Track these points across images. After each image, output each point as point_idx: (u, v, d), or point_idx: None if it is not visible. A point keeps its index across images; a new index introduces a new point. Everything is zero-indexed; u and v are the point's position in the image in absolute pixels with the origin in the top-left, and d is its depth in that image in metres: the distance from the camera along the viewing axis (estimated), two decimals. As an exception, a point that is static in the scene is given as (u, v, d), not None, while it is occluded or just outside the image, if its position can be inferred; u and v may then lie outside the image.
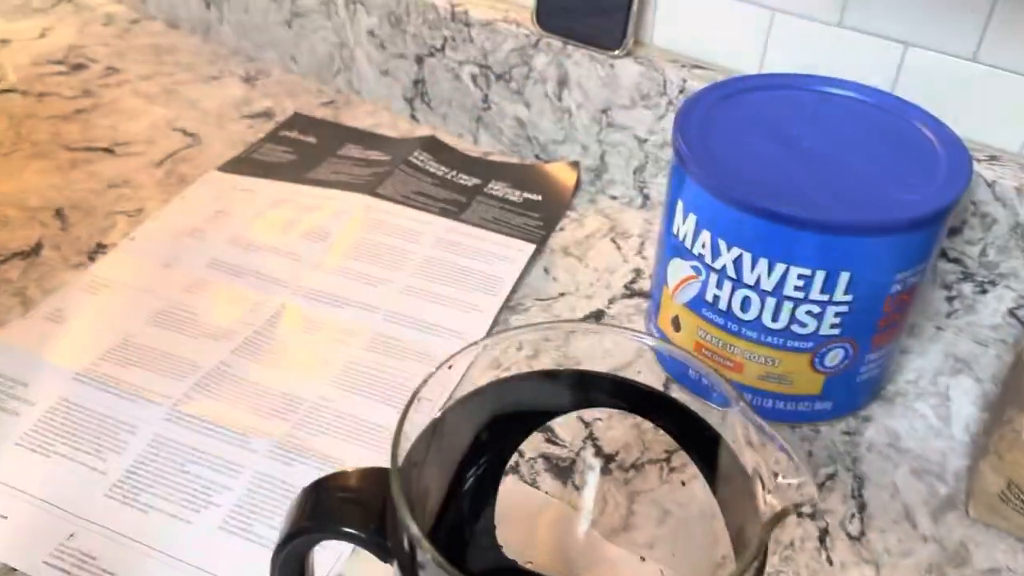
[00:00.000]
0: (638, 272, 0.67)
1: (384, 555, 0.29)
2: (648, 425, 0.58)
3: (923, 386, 0.59)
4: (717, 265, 0.51)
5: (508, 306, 0.63)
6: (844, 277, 0.48)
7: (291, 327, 0.60)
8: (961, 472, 0.53)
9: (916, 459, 0.54)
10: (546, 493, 0.48)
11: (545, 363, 0.39)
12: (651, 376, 0.38)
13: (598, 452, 0.53)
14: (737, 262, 0.50)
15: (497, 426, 0.36)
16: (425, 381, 0.31)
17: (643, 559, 0.46)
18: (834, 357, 0.52)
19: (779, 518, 0.28)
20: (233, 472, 0.51)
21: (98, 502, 0.49)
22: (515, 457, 0.53)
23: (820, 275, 0.48)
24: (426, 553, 0.26)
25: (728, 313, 0.52)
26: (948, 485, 0.52)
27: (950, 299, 0.62)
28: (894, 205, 0.47)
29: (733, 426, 0.32)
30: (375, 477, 0.31)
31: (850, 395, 0.55)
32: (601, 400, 0.35)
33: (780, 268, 0.48)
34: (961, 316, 0.63)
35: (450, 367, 0.32)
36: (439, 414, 0.33)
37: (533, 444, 0.54)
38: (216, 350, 0.58)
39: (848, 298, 0.49)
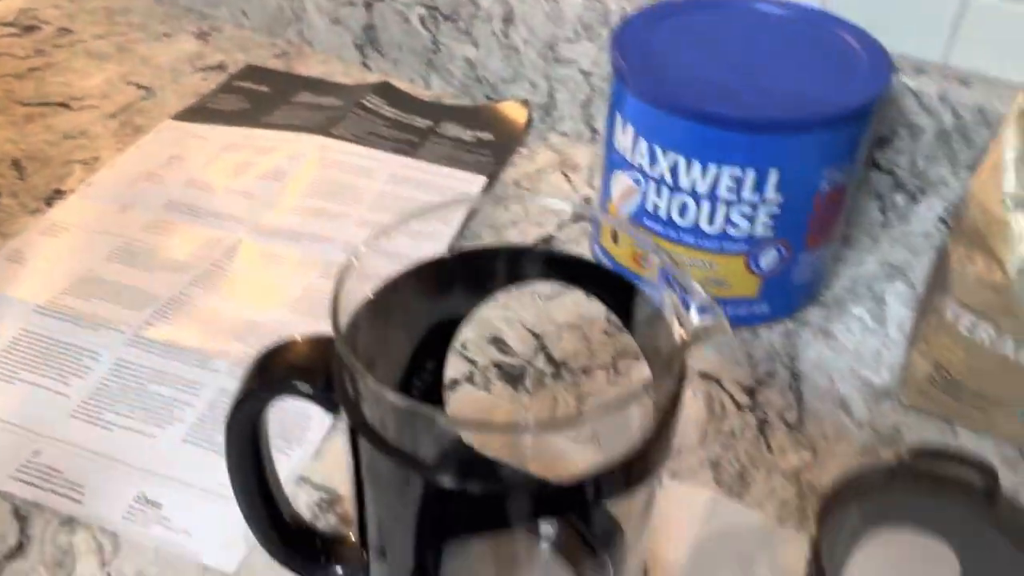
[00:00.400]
0: (586, 200, 0.69)
1: (331, 407, 0.31)
2: (596, 335, 0.60)
3: (859, 292, 0.61)
4: (655, 173, 0.53)
5: (462, 235, 0.65)
6: (773, 175, 0.50)
7: (248, 260, 0.62)
8: (895, 366, 0.56)
9: (852, 356, 0.56)
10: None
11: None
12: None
13: (549, 360, 0.56)
14: (673, 168, 0.52)
15: (438, 306, 0.37)
16: (360, 250, 0.33)
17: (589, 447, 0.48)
18: (769, 258, 0.54)
19: (691, 342, 0.30)
20: (195, 390, 0.52)
21: (63, 422, 0.50)
22: (469, 367, 0.55)
23: (750, 174, 0.50)
24: (367, 382, 0.28)
25: (667, 221, 0.54)
26: (882, 378, 0.55)
27: (884, 210, 0.65)
28: (818, 103, 0.50)
29: (656, 283, 0.34)
30: (320, 343, 0.33)
31: (787, 298, 0.57)
32: (532, 273, 0.37)
33: (712, 170, 0.51)
34: (895, 226, 0.65)
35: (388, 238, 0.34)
36: (381, 287, 0.35)
37: (487, 355, 0.56)
38: (175, 282, 0.59)
39: (778, 197, 0.51)
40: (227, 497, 0.38)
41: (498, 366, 0.55)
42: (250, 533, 0.39)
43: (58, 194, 0.67)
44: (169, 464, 0.48)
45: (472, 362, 0.55)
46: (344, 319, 0.32)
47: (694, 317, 0.30)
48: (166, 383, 0.53)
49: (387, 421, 0.29)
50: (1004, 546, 0.28)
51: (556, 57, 0.73)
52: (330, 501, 0.47)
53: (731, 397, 0.54)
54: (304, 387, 0.31)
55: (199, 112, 0.77)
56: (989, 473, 0.28)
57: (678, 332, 0.30)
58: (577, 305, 0.62)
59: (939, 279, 0.50)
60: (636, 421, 0.31)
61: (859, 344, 0.57)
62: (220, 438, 0.49)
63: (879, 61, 0.53)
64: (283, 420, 0.51)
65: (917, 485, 0.29)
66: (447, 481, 0.28)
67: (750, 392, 0.54)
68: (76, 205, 0.66)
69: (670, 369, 0.29)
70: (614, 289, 0.35)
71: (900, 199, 0.64)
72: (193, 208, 0.66)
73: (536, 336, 0.56)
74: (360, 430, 0.29)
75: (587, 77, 0.72)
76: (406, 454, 0.29)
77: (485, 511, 0.29)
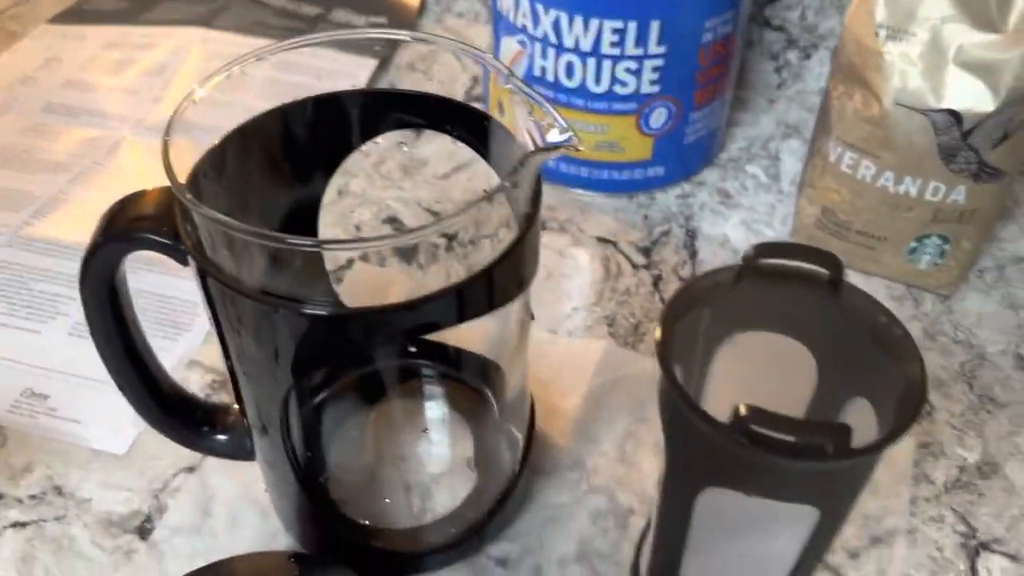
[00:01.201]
0: (476, 79, 0.67)
1: (180, 256, 0.30)
2: (486, 208, 0.60)
3: (754, 152, 0.61)
4: (539, 33, 0.52)
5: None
6: (655, 27, 0.49)
7: (131, 157, 0.59)
8: (788, 217, 0.56)
9: (746, 212, 0.57)
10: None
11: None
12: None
13: (443, 234, 0.55)
14: (556, 25, 0.51)
15: (298, 156, 0.36)
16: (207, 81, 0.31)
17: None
18: (658, 116, 0.54)
19: (541, 150, 0.29)
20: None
21: (-60, 324, 0.49)
22: (364, 246, 0.54)
23: (632, 27, 0.49)
24: (202, 212, 0.27)
25: (555, 84, 0.53)
26: (775, 229, 0.56)
27: (778, 69, 0.65)
28: (693, -51, 0.49)
29: (513, 111, 0.33)
30: (167, 192, 0.31)
31: (681, 159, 0.57)
32: (390, 120, 0.36)
33: (595, 24, 0.50)
34: (790, 85, 0.65)
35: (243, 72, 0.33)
36: (231, 132, 0.33)
37: (381, 233, 0.56)
38: (54, 182, 0.57)
39: (662, 50, 0.50)
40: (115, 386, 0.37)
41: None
42: (139, 418, 0.39)
43: (-73, 102, 0.64)
44: (55, 358, 0.47)
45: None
46: (188, 167, 0.31)
47: (550, 136, 0.29)
48: (48, 280, 0.51)
49: (234, 258, 0.28)
50: (851, 333, 0.28)
51: (444, -66, 0.70)
52: (222, 382, 0.47)
53: (627, 258, 0.54)
54: (151, 236, 0.30)
55: (76, 14, 0.73)
56: (832, 263, 0.28)
57: (529, 142, 0.30)
58: (471, 181, 0.62)
59: (822, 124, 0.50)
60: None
61: (753, 200, 0.58)
62: (105, 328, 0.48)
63: (756, -96, 0.52)
64: (172, 309, 0.50)
65: (764, 284, 0.29)
66: (294, 309, 0.27)
67: (646, 252, 0.54)
68: (-53, 113, 0.63)
69: (517, 174, 0.28)
70: (470, 124, 0.34)
71: (793, 57, 0.64)
72: (72, 109, 0.63)
73: (434, 214, 0.55)
74: (208, 272, 0.29)
75: (477, -47, 0.70)
76: (252, 290, 0.28)
77: (342, 338, 0.28)
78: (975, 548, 0.40)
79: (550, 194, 0.58)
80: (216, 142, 0.33)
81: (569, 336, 0.49)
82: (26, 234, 0.53)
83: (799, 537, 0.28)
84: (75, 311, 0.49)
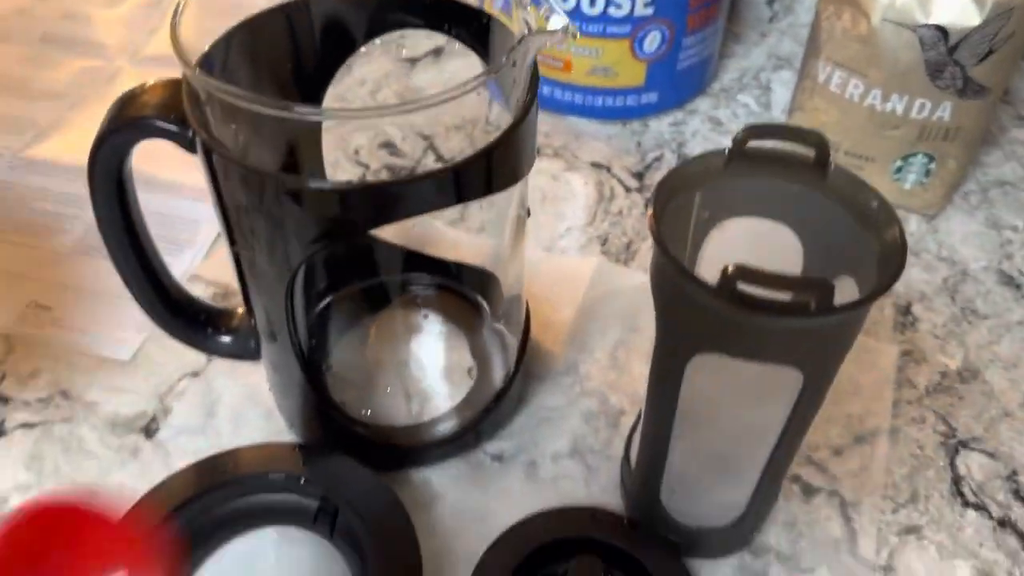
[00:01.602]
0: None
1: (186, 142, 0.31)
2: (479, 134, 0.61)
3: (746, 82, 0.62)
4: (532, -43, 0.52)
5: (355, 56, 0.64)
6: (648, -53, 0.50)
7: (129, 87, 0.60)
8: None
9: (738, 138, 0.58)
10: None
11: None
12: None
13: (439, 158, 0.56)
14: (549, -52, 0.51)
15: (300, 52, 0.37)
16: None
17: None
18: (652, 40, 0.55)
19: (536, 34, 0.30)
20: (80, 204, 0.51)
21: (-56, 241, 0.49)
22: (361, 170, 0.55)
23: (625, -52, 0.50)
24: (209, 84, 0.28)
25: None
26: (766, 155, 0.57)
27: (770, 2, 0.66)
28: None
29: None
30: (174, 83, 0.32)
31: (673, 86, 0.58)
32: (392, 21, 0.37)
33: (588, -54, 0.50)
34: (781, 18, 0.66)
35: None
36: (236, 25, 0.34)
37: (378, 159, 0.56)
38: (53, 108, 0.58)
39: (655, -28, 0.51)
40: (121, 296, 0.37)
41: (389, 168, 0.55)
42: (143, 328, 0.39)
43: (-77, 33, 0.64)
44: (58, 272, 0.48)
45: (364, 165, 0.55)
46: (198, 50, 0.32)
47: (548, 21, 0.30)
48: (51, 199, 0.52)
49: (240, 135, 0.29)
50: (838, 213, 0.29)
51: None
52: (223, 295, 0.48)
53: (620, 182, 0.55)
54: (159, 123, 0.31)
55: (71, -52, 0.73)
56: (819, 143, 0.29)
57: (524, 25, 0.31)
58: (461, 107, 0.63)
59: (812, 45, 0.51)
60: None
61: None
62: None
63: None
64: (174, 227, 0.51)
65: (753, 168, 0.30)
66: (299, 182, 0.28)
67: (638, 176, 0.55)
68: (-56, 43, 0.63)
69: (514, 53, 0.29)
70: (469, 24, 0.35)
71: (785, -10, 0.65)
72: (70, 40, 0.64)
73: (426, 137, 0.56)
74: (213, 149, 0.29)
75: None
76: (259, 167, 0.29)
77: (348, 212, 0.29)
78: (955, 447, 0.42)
79: (545, 121, 0.59)
80: (220, 36, 0.34)
81: (563, 254, 0.50)
82: (28, 156, 0.54)
83: (784, 405, 0.29)
84: (77, 228, 0.50)
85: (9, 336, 0.45)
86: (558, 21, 0.30)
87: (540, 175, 0.56)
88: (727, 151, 0.30)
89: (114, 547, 0.25)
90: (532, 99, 0.32)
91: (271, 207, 0.29)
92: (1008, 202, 0.54)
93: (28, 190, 0.52)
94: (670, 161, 0.56)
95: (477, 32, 0.35)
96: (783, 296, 0.25)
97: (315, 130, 0.38)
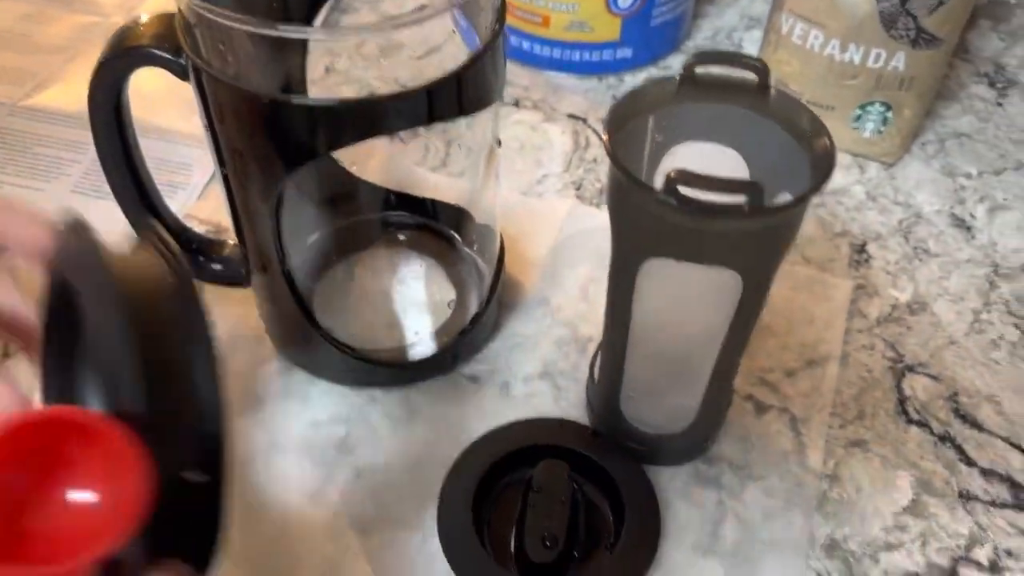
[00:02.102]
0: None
1: (180, 70, 0.34)
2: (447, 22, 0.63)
3: (718, 40, 0.65)
4: (511, -85, 0.55)
5: (338, 8, 0.66)
6: (620, -95, 0.52)
7: (127, 40, 0.62)
8: (747, 98, 0.60)
9: (709, 92, 0.60)
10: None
11: None
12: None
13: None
14: (527, -94, 0.54)
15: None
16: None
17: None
18: (626, -3, 0.57)
19: None
20: (79, 148, 0.54)
21: (-50, 183, 0.52)
22: (341, 38, 0.57)
23: (599, -95, 0.52)
24: (202, 7, 0.30)
25: (528, -35, 0.56)
26: (735, 108, 0.59)
27: (743, -36, 0.68)
28: None
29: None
30: (168, 16, 0.35)
31: (647, 42, 0.61)
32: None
33: (564, -97, 0.53)
34: (754, -20, 0.69)
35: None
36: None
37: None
38: (52, 62, 0.60)
39: (628, -71, 0.54)
40: (115, 232, 0.40)
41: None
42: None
43: (-75, -10, 0.66)
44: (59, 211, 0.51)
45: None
46: None
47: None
48: (51, 145, 0.54)
49: (229, 58, 0.32)
50: (777, 133, 0.32)
51: None
52: (216, 232, 0.50)
53: (595, 132, 0.58)
54: (154, 50, 0.34)
55: (67, -89, 0.75)
56: (761, 69, 0.32)
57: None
58: (443, 62, 0.65)
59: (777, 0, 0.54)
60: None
61: (716, 82, 0.61)
62: (107, 187, 0.52)
63: None
64: (170, 170, 0.53)
65: (702, 94, 0.32)
66: (282, 97, 0.31)
67: (613, 126, 0.58)
68: (-55, 0, 0.66)
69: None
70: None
71: (757, -48, 0.67)
72: (67, -2, 0.66)
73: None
74: (203, 71, 0.32)
75: None
76: (251, 86, 0.31)
77: (328, 127, 0.32)
78: (901, 370, 0.44)
79: (524, 75, 0.62)
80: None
81: (540, 198, 0.53)
82: (28, 104, 0.56)
83: (727, 310, 0.32)
84: (76, 172, 0.53)
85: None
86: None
87: (519, 126, 0.58)
88: (677, 77, 0.33)
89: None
90: (500, 26, 0.34)
91: (255, 124, 0.32)
92: (964, 152, 0.57)
93: (29, 135, 0.55)
94: (643, 113, 0.58)
95: None
96: (722, 200, 0.28)
97: (300, 55, 0.41)
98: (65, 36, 0.63)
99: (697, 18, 0.66)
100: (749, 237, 0.29)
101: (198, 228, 0.50)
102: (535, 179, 0.54)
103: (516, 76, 0.62)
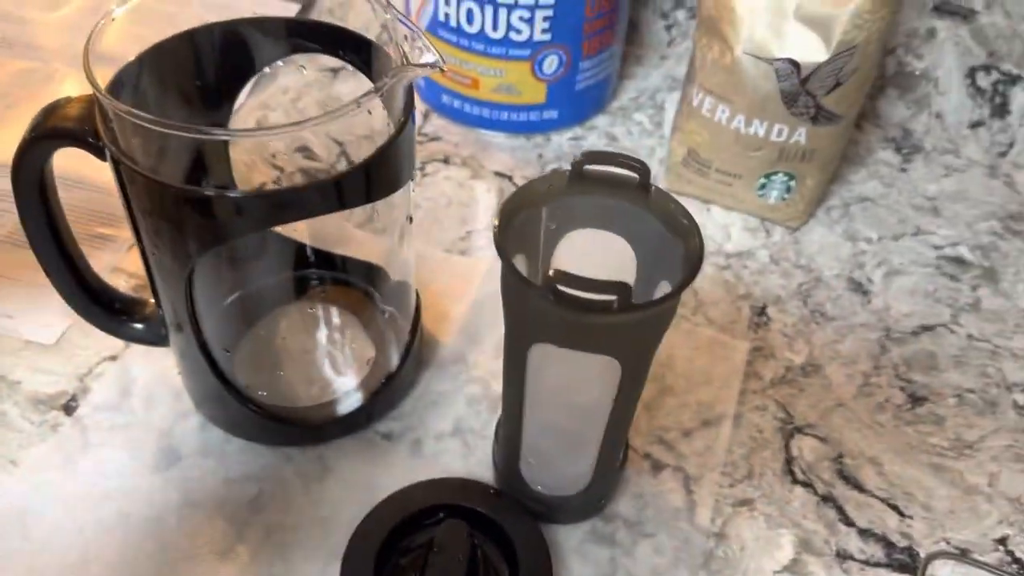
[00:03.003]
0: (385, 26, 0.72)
1: (99, 151, 0.36)
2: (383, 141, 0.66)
3: (642, 101, 0.68)
4: (442, -18, 0.57)
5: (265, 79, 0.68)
6: (543, -21, 0.55)
7: (65, 89, 0.64)
8: (665, 159, 0.63)
9: (628, 152, 0.63)
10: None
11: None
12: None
13: (349, 162, 0.60)
14: (456, -25, 0.56)
15: (206, 73, 0.41)
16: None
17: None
18: (551, 63, 0.60)
19: (409, 66, 0.35)
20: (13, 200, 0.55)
21: None
22: (276, 172, 0.59)
23: (523, -22, 0.55)
24: (115, 106, 0.32)
25: (458, 29, 0.59)
26: (653, 168, 0.62)
27: (668, 28, 0.71)
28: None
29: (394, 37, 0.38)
30: (90, 99, 0.37)
31: (573, 105, 0.63)
32: (285, 46, 0.42)
33: (489, -25, 0.55)
34: (679, 43, 0.72)
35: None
36: (147, 49, 0.38)
37: (294, 162, 0.61)
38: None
39: (551, 0, 0.56)
40: (47, 285, 0.42)
41: (303, 171, 0.59)
42: (67, 315, 0.43)
43: None
44: None
45: (280, 168, 0.59)
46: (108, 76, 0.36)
47: (421, 56, 0.35)
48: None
49: (148, 146, 0.34)
50: (658, 227, 0.35)
51: None
52: (144, 286, 0.52)
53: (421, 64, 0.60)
54: (75, 133, 0.35)
55: (12, -49, 0.76)
56: (642, 169, 0.34)
57: (399, 57, 0.35)
58: (370, 120, 0.68)
59: (690, 72, 0.57)
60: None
61: (636, 143, 0.64)
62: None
63: None
64: (98, 218, 0.55)
65: (592, 187, 0.35)
66: (195, 191, 0.33)
67: (537, 185, 0.60)
68: None
69: (385, 84, 0.34)
70: (358, 49, 0.40)
71: (681, 16, 0.70)
72: (8, 41, 0.67)
73: (339, 143, 0.60)
74: (121, 161, 0.34)
75: (398, -91, 0.75)
76: (158, 178, 0.33)
77: (239, 216, 0.34)
78: (791, 431, 0.47)
79: (455, 132, 0.64)
80: (132, 59, 0.38)
81: (463, 255, 0.55)
82: None
83: (610, 388, 0.35)
84: (8, 222, 0.54)
85: (-60, 320, 0.49)
86: (429, 57, 0.35)
87: (448, 182, 0.60)
88: (568, 172, 0.35)
89: None
90: (407, 119, 0.36)
91: (170, 212, 0.34)
92: (867, 216, 0.60)
93: None
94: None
95: (365, 58, 0.40)
96: (595, 296, 0.30)
97: (217, 142, 0.43)
98: (4, 81, 0.64)
99: (625, 79, 0.69)
100: (622, 328, 0.32)
101: (126, 282, 0.52)
102: (459, 236, 0.57)
103: (447, 133, 0.64)
